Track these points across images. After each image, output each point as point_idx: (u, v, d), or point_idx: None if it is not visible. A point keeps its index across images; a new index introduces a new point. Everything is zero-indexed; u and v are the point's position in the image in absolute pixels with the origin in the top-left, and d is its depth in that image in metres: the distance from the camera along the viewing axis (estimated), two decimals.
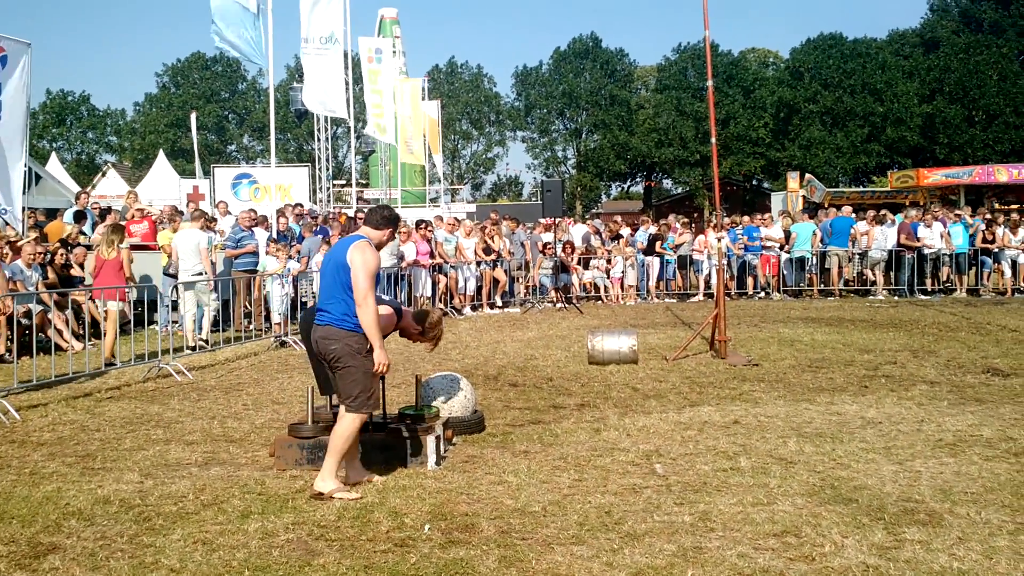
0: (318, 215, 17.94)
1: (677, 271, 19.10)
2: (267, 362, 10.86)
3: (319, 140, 29.60)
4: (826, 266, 18.52)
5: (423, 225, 16.48)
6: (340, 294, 5.23)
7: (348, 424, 5.24)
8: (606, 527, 4.53)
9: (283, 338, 12.23)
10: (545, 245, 18.57)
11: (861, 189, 43.17)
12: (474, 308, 16.83)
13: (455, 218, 19.47)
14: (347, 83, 23.18)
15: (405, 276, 15.37)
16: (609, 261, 18.71)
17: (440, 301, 16.21)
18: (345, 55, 22.70)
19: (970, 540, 4.31)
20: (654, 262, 18.84)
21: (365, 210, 5.79)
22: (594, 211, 58.19)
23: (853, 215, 19.00)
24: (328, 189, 31.08)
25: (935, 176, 31.85)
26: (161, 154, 38.36)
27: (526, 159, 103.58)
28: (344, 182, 36.75)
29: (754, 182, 56.50)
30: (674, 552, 4.17)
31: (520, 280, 18.49)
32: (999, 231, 18.07)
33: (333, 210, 20.81)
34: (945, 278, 18.09)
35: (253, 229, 14.00)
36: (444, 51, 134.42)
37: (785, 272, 18.95)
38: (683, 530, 4.47)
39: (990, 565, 4.00)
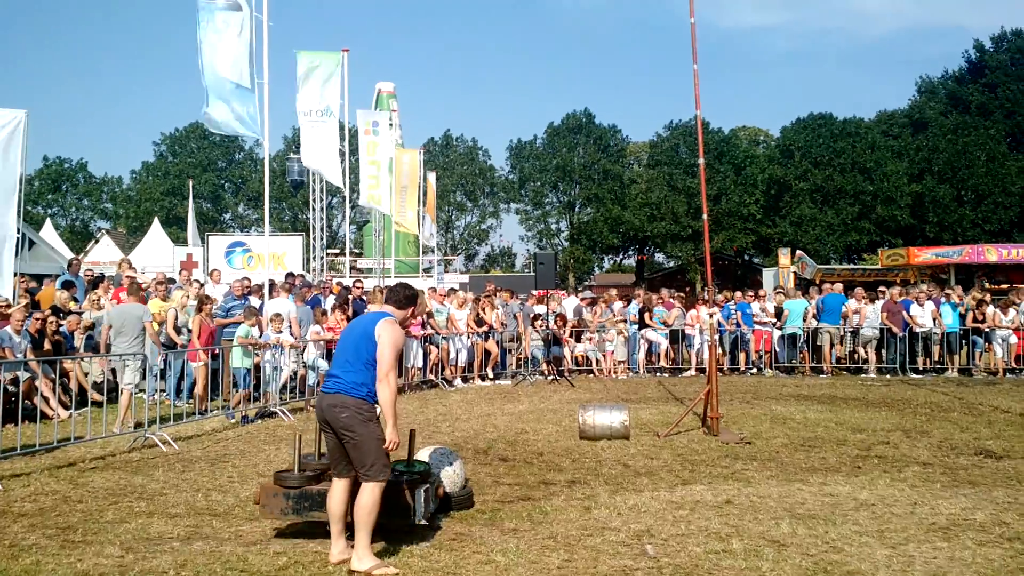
0: (311, 284, 17.96)
1: (669, 346, 19.08)
2: (255, 433, 10.74)
3: (314, 209, 29.77)
4: (818, 343, 18.53)
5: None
6: (358, 364, 5.31)
7: (370, 495, 5.23)
8: None
9: (273, 408, 12.11)
10: (537, 317, 18.59)
11: (852, 266, 43.52)
12: (465, 380, 16.74)
13: (448, 289, 19.52)
14: (343, 154, 23.48)
15: None
16: (619, 332, 18.65)
17: (431, 373, 16.14)
18: (341, 127, 23.05)
19: None
20: (647, 334, 18.82)
21: (384, 287, 5.84)
22: (587, 283, 58.41)
23: (843, 293, 19.07)
24: (322, 258, 31.16)
25: (925, 255, 32.14)
26: (156, 221, 38.54)
27: (519, 231, 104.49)
28: (338, 251, 36.92)
29: (745, 257, 56.91)
30: None
31: (512, 352, 18.44)
32: (989, 311, 18.15)
33: (324, 280, 20.83)
34: (937, 357, 18.10)
35: (247, 297, 13.98)
36: (440, 124, 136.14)
37: (777, 348, 18.94)
38: None
39: None
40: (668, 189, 52.91)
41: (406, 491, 5.73)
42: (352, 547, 5.33)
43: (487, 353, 17.44)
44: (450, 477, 6.52)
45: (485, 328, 17.37)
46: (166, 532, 6.09)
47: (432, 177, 35.05)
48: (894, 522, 6.28)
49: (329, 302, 15.48)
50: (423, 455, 6.70)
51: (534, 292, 21.27)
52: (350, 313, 14.56)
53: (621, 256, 66.43)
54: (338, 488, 5.41)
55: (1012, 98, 53.98)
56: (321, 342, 13.50)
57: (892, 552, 5.53)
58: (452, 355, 16.68)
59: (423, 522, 5.71)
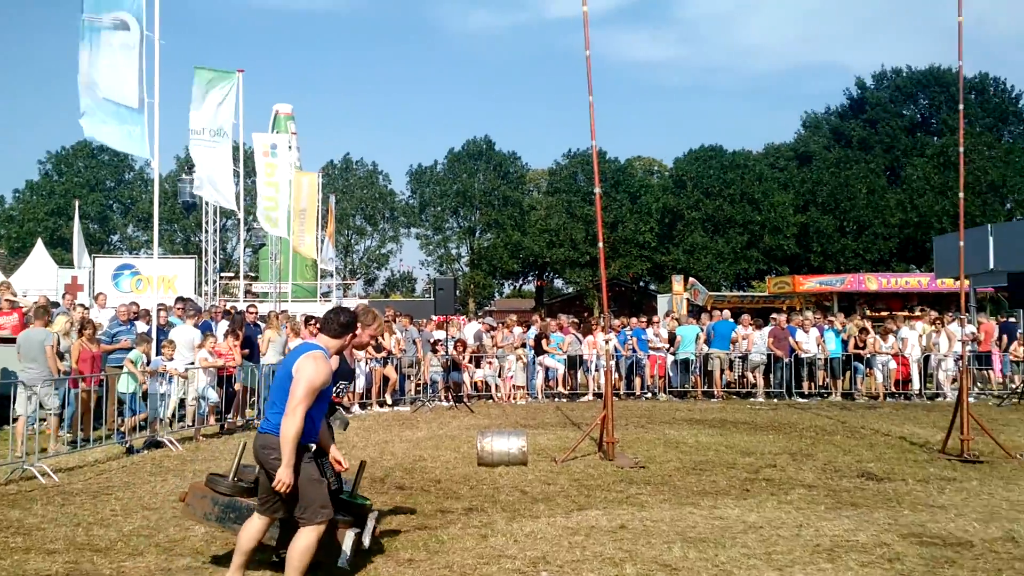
0: (201, 309, 17.47)
1: (567, 371, 19.28)
2: (140, 463, 10.35)
3: (207, 232, 29.02)
4: (709, 368, 19.02)
5: (312, 321, 16.24)
6: (282, 403, 5.06)
7: (304, 539, 5.04)
8: None
9: (160, 438, 11.69)
10: (436, 342, 18.53)
11: (742, 293, 44.92)
12: (363, 406, 16.54)
13: None
14: (237, 175, 23.02)
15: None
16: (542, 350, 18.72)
17: None
18: (235, 148, 22.62)
19: None
20: (544, 360, 18.96)
21: (321, 315, 5.48)
22: (487, 309, 58.55)
23: (732, 319, 19.64)
24: (215, 282, 30.38)
25: (810, 283, 33.44)
26: (39, 243, 36.90)
27: (420, 255, 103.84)
28: (232, 274, 36.04)
29: (641, 284, 58.06)
30: None
31: (411, 378, 18.31)
32: (870, 338, 18.96)
33: (216, 304, 20.31)
34: (821, 382, 18.80)
35: (133, 323, 13.50)
36: (339, 147, 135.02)
37: (671, 373, 19.36)
38: None
39: None
40: (567, 216, 53.65)
41: (337, 531, 5.49)
42: None
43: (385, 379, 17.28)
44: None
45: (384, 354, 17.21)
46: (43, 569, 5.81)
47: (331, 200, 34.70)
48: (781, 544, 6.47)
49: (221, 327, 15.09)
50: None
51: (434, 317, 21.23)
52: (242, 339, 14.21)
53: (521, 282, 66.88)
54: (255, 523, 5.22)
55: (891, 134, 56.90)
56: (212, 369, 13.13)
57: (779, 574, 5.69)
58: None
59: (346, 567, 5.47)
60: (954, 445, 10.77)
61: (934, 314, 20.63)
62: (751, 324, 19.39)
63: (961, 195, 11.35)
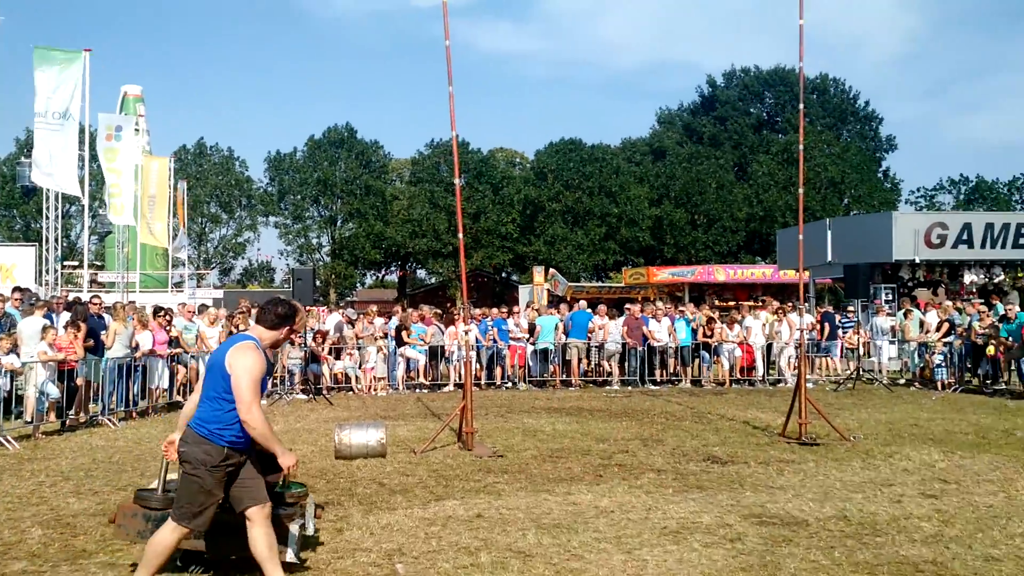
0: (41, 300, 16.51)
1: (428, 362, 19.29)
2: None
3: (48, 219, 27.42)
4: (567, 358, 19.42)
5: (161, 312, 15.64)
6: (210, 397, 4.84)
7: (165, 534, 4.83)
8: None
9: None
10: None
11: (599, 284, 46.04)
12: None
13: (199, 305, 18.65)
14: (83, 159, 21.86)
15: (140, 367, 14.43)
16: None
17: (178, 393, 15.33)
18: (82, 131, 21.45)
19: None
20: (406, 351, 18.90)
21: (259, 305, 5.15)
22: (349, 299, 57.78)
23: (590, 310, 20.11)
24: (57, 271, 28.78)
25: (663, 274, 34.62)
26: None
27: (279, 245, 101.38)
28: (76, 263, 34.23)
29: (503, 275, 58.61)
30: None
31: None
32: (718, 326, 19.79)
33: (57, 295, 19.25)
34: (672, 370, 19.50)
35: None
36: (192, 132, 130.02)
37: (531, 363, 19.66)
38: None
39: None
40: (429, 206, 53.52)
41: (280, 524, 5.33)
42: None
43: None
44: None
45: None
46: None
47: (183, 186, 33.42)
48: (630, 528, 6.69)
49: (62, 319, 14.32)
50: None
51: None
52: (85, 331, 13.53)
53: (383, 272, 66.29)
54: (165, 531, 4.91)
55: (739, 131, 59.45)
56: (52, 363, 12.45)
57: (627, 557, 5.89)
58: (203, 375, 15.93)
59: (296, 560, 5.34)
60: (793, 429, 11.38)
61: (776, 304, 21.71)
62: (607, 314, 19.91)
63: (800, 191, 11.99)
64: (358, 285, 64.96)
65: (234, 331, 16.73)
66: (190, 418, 4.95)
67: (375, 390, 18.34)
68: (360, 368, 18.69)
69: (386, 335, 19.39)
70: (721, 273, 36.85)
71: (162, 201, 26.86)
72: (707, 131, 59.91)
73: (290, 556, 5.33)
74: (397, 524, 6.81)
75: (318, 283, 56.89)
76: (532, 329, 19.80)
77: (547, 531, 6.55)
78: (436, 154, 56.64)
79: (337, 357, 18.73)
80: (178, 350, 15.45)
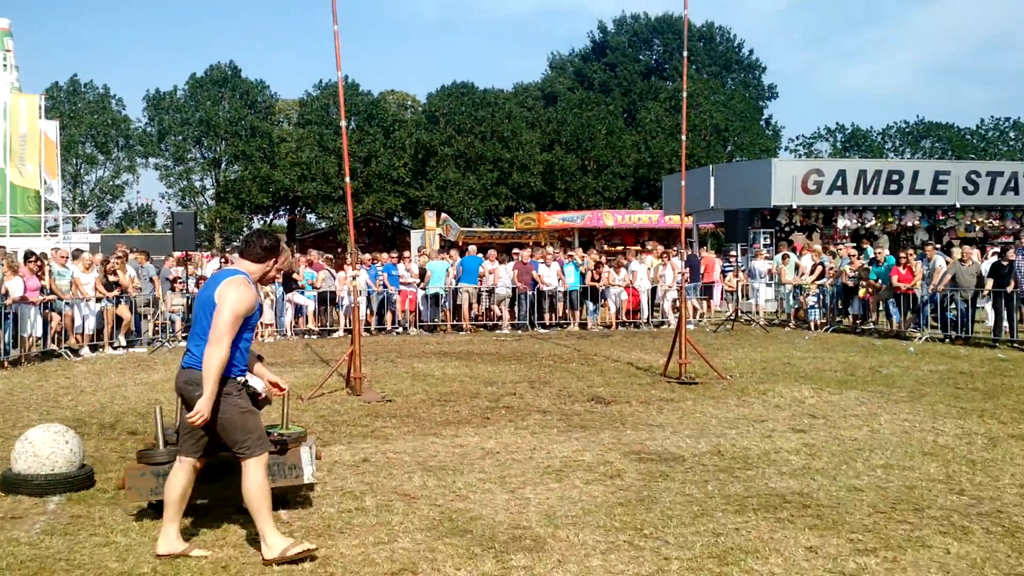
0: None
1: (317, 307, 19.06)
2: None
3: None
4: (458, 302, 19.49)
5: (33, 258, 14.92)
6: (204, 335, 4.69)
7: (252, 476, 4.66)
8: None
9: None
10: (176, 280, 17.66)
11: (491, 229, 46.15)
12: (93, 349, 15.50)
13: (73, 249, 17.87)
14: None
15: (11, 315, 13.78)
16: None
17: (52, 341, 14.74)
18: None
19: (568, 562, 4.72)
20: (294, 296, 18.60)
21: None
22: (235, 244, 56.23)
23: (481, 254, 20.18)
24: None
25: (553, 219, 34.93)
26: None
27: (160, 188, 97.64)
28: None
29: (395, 219, 58.07)
30: None
31: (148, 318, 17.35)
32: (605, 271, 20.16)
33: None
34: (561, 313, 19.81)
35: None
36: (65, 68, 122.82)
37: (422, 308, 19.66)
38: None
39: None
40: (319, 149, 52.34)
41: (292, 450, 5.39)
42: (183, 540, 4.83)
43: (119, 319, 16.26)
44: (65, 456, 6.04)
45: (117, 292, 16.16)
46: None
47: (54, 126, 31.72)
48: (514, 467, 6.83)
49: None
50: (33, 434, 6.13)
51: (175, 254, 20.16)
52: None
53: (272, 216, 64.73)
54: (180, 469, 4.82)
55: (628, 78, 60.00)
56: None
57: (511, 496, 6.02)
58: (78, 322, 15.35)
59: (312, 480, 5.45)
60: (674, 369, 11.76)
61: (661, 248, 22.24)
62: (497, 259, 20.02)
63: (684, 138, 12.25)
64: (245, 229, 63.32)
65: (111, 277, 16.14)
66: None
67: (262, 336, 18.03)
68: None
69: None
70: (610, 218, 37.40)
71: (33, 141, 25.48)
72: (597, 77, 60.27)
73: (307, 477, 5.40)
74: None
75: (202, 227, 55.40)
76: (422, 274, 19.76)
77: (433, 473, 6.62)
78: (325, 95, 55.27)
79: None
80: (51, 297, 14.81)
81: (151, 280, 17.51)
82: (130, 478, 5.36)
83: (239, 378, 4.77)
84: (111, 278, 16.20)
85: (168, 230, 49.50)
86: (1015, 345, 14.89)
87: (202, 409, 4.58)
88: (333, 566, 4.60)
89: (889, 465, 6.86)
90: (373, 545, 4.94)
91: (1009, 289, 15.00)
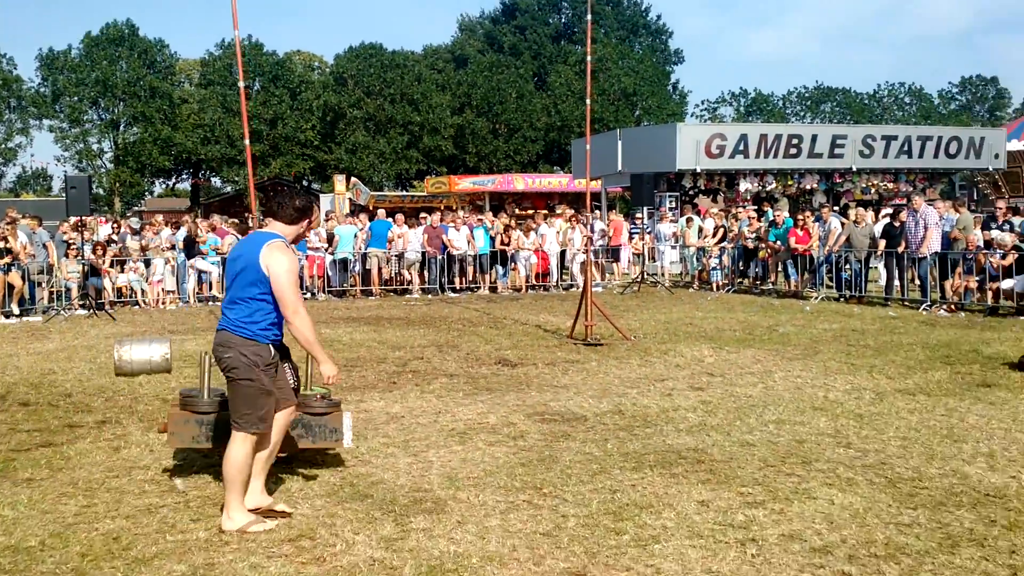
0: None
1: (221, 273, 18.64)
2: None
3: None
4: (367, 267, 19.32)
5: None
6: (243, 299, 4.62)
7: (237, 448, 4.64)
8: (112, 555, 4.29)
9: None
10: (70, 246, 17.03)
11: (402, 193, 45.75)
12: None
13: None
14: None
15: None
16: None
17: None
18: None
19: (467, 523, 4.76)
20: (197, 263, 18.15)
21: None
22: (137, 209, 54.51)
23: (390, 219, 20.01)
24: None
25: (464, 183, 34.81)
26: None
27: (56, 150, 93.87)
28: None
29: (304, 183, 57.03)
30: (184, 572, 4.08)
31: (43, 285, 16.70)
32: (515, 234, 20.23)
33: None
34: (471, 277, 19.84)
35: None
36: None
37: (330, 273, 19.43)
38: (197, 547, 4.39)
39: (482, 545, 4.45)
40: (222, 111, 50.89)
41: (335, 414, 5.53)
42: (265, 492, 4.91)
43: (10, 287, 15.61)
44: None
45: (7, 259, 15.50)
46: None
47: None
48: (419, 431, 6.85)
49: None
50: None
51: (70, 219, 19.40)
52: None
53: (174, 180, 62.85)
54: (236, 443, 4.71)
55: (538, 41, 59.90)
56: None
57: (414, 459, 6.04)
58: None
59: (351, 445, 5.63)
60: (580, 331, 11.92)
61: (570, 212, 22.42)
62: (406, 223, 19.89)
63: (588, 101, 12.33)
64: (147, 194, 61.36)
65: (0, 244, 15.48)
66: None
67: (163, 304, 17.58)
68: (148, 282, 17.82)
69: (173, 246, 18.52)
70: (520, 182, 37.47)
71: None
72: (507, 40, 59.99)
73: (347, 442, 5.58)
74: None
75: (102, 191, 53.41)
76: (331, 239, 19.50)
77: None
78: (228, 55, 53.62)
79: (121, 270, 17.74)
80: None
81: (44, 246, 16.84)
82: (172, 423, 5.39)
83: (270, 346, 4.71)
84: (1, 244, 15.53)
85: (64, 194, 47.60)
86: (905, 303, 15.54)
87: (329, 372, 4.81)
88: (228, 534, 4.56)
89: (781, 420, 7.11)
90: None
91: (900, 249, 15.62)
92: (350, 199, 36.14)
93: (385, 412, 7.57)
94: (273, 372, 4.73)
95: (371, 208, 29.07)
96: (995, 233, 14.56)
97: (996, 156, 27.84)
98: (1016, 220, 15.24)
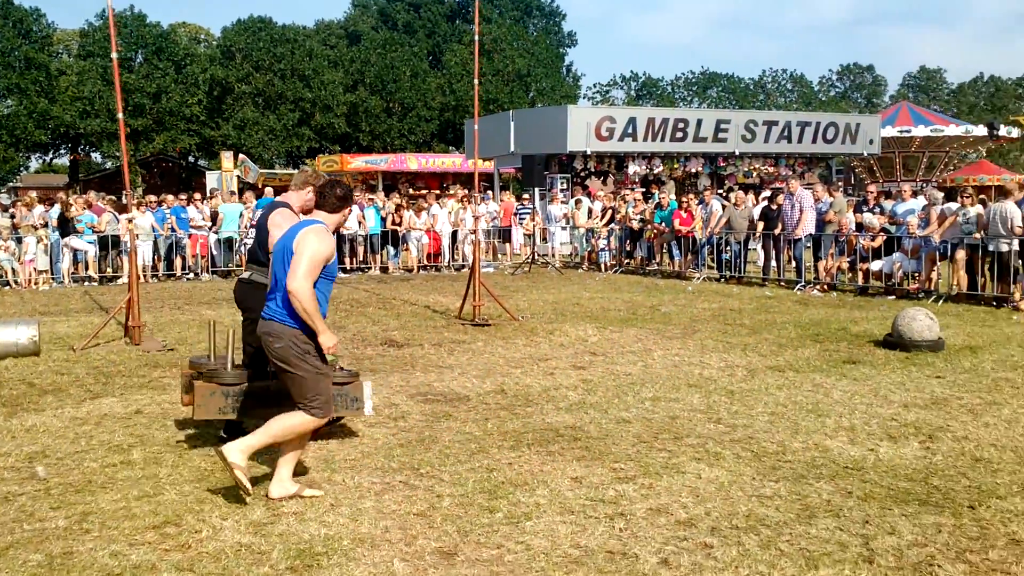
0: None
1: (99, 252, 17.94)
2: None
3: None
4: None
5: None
6: (281, 287, 4.70)
7: (299, 421, 4.73)
8: None
9: None
10: None
11: (293, 171, 44.75)
12: None
13: None
14: None
15: None
16: None
17: None
18: None
19: (341, 505, 4.73)
20: (71, 241, 17.40)
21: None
22: (11, 185, 51.82)
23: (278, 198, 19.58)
24: None
25: (357, 162, 34.35)
26: None
27: None
28: None
29: (190, 160, 55.25)
30: (40, 562, 3.93)
31: None
32: (407, 214, 20.10)
33: None
34: (362, 257, 19.63)
35: None
36: None
37: (215, 252, 18.92)
38: (55, 536, 4.24)
39: (354, 527, 4.43)
40: (102, 83, 48.68)
41: (356, 383, 5.58)
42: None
43: None
44: None
45: None
46: None
47: None
48: None
49: None
50: None
51: None
52: None
53: (52, 155, 59.90)
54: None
55: (433, 19, 59.43)
56: None
57: None
58: None
59: (371, 413, 5.81)
60: (469, 311, 11.95)
61: (463, 192, 22.40)
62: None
63: (476, 82, 12.31)
64: (23, 169, 58.36)
65: None
66: None
67: (36, 284, 16.80)
68: (19, 261, 17.00)
69: (47, 224, 17.71)
70: (414, 162, 37.21)
71: None
72: (402, 18, 59.31)
73: (368, 410, 5.83)
74: (43, 425, 6.39)
75: None
76: (215, 218, 18.98)
77: (211, 424, 6.44)
78: (108, 26, 51.28)
79: None
80: None
81: None
82: (199, 395, 5.42)
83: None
84: None
85: None
86: (781, 283, 16.13)
87: (327, 343, 4.72)
88: (90, 522, 4.42)
89: (657, 398, 7.30)
90: (136, 499, 4.77)
91: (777, 232, 16.19)
92: (238, 177, 35.23)
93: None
94: (320, 357, 4.83)
95: (260, 186, 28.39)
96: (866, 216, 15.22)
97: (871, 142, 29.09)
98: (887, 204, 15.99)
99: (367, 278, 18.52)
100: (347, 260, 19.34)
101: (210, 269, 18.60)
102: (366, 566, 3.96)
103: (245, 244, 18.85)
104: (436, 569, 3.94)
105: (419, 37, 57.62)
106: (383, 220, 19.85)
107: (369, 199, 20.84)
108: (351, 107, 52.44)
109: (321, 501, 4.77)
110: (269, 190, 20.09)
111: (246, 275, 6.03)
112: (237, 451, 4.68)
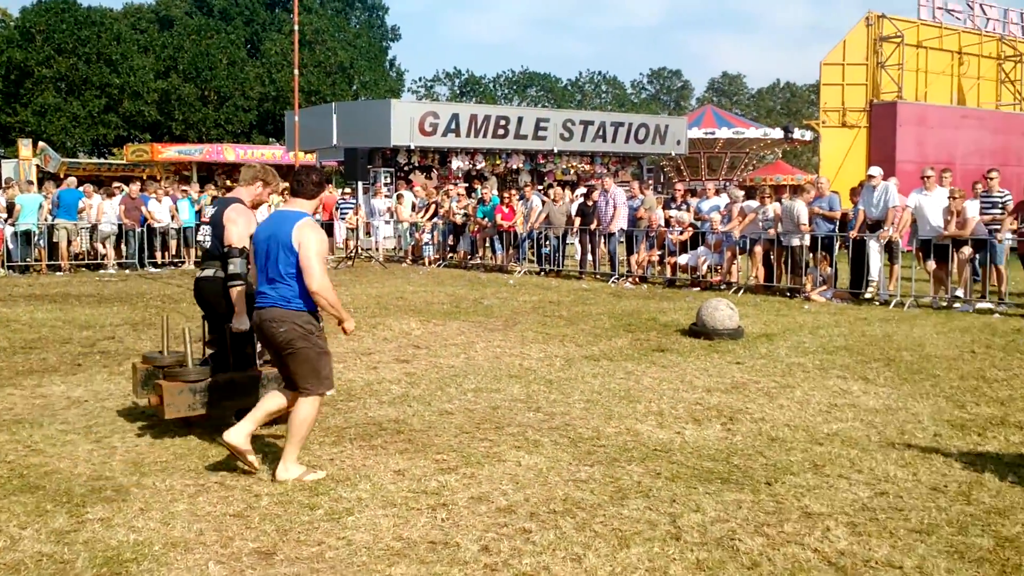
0: None
1: None
2: None
3: None
4: (55, 240, 17.75)
5: None
6: (280, 276, 4.89)
7: (309, 409, 5.04)
8: None
9: None
10: None
11: (99, 161, 42.31)
12: None
13: None
14: None
15: None
16: None
17: None
18: None
19: (152, 508, 4.55)
20: None
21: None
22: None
23: (81, 188, 18.52)
24: None
25: (169, 151, 32.85)
26: None
27: None
28: None
29: None
30: None
31: None
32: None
33: None
34: (175, 252, 18.82)
35: None
36: None
37: (11, 246, 17.65)
38: None
39: (166, 531, 4.27)
40: None
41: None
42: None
43: None
44: None
45: None
46: None
47: None
48: (103, 416, 6.44)
49: None
50: None
51: None
52: None
53: None
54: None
55: (251, 7, 57.49)
56: None
57: (96, 446, 5.67)
58: None
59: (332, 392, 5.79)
60: None
61: (284, 185, 21.85)
62: (100, 193, 18.52)
63: (296, 72, 12.11)
64: None
65: None
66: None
67: None
68: None
69: None
70: (231, 152, 35.90)
71: None
72: (217, 4, 57.01)
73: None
74: None
75: None
76: (11, 209, 17.69)
77: (6, 428, 6.04)
78: None
79: None
80: None
81: None
82: (169, 395, 5.57)
83: (316, 312, 5.05)
84: None
85: None
86: (597, 276, 16.73)
87: (351, 328, 5.26)
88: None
89: (479, 389, 7.43)
90: None
91: (593, 227, 16.77)
92: (38, 166, 32.99)
93: (66, 396, 7.04)
94: (322, 334, 5.12)
95: (61, 176, 26.63)
96: (674, 212, 16.02)
97: (679, 143, 30.57)
98: (693, 201, 16.87)
99: (180, 273, 17.74)
100: (158, 254, 18.50)
101: (5, 264, 17.31)
102: (179, 571, 3.85)
103: (43, 238, 17.68)
104: (254, 570, 3.87)
105: (236, 24, 55.57)
106: (198, 213, 19.08)
107: (183, 191, 20.00)
108: (163, 94, 49.97)
109: (129, 506, 4.58)
110: (72, 180, 18.96)
111: (209, 272, 6.10)
112: (286, 469, 5.04)
